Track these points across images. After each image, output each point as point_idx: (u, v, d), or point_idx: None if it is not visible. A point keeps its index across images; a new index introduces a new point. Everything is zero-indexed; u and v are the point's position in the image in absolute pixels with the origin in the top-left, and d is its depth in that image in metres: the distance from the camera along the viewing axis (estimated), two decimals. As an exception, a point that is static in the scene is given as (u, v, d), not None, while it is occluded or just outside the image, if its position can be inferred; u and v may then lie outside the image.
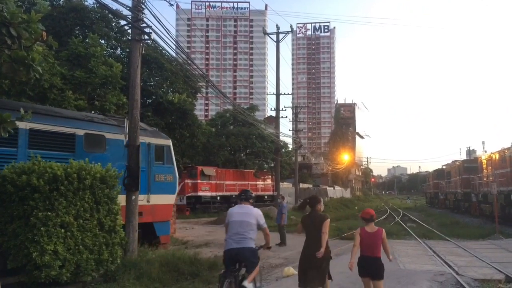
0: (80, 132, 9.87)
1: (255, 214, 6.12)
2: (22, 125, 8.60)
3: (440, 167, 47.69)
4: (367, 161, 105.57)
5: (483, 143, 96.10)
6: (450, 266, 10.96)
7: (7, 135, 4.92)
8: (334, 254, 8.96)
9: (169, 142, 12.83)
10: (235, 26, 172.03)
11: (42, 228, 6.88)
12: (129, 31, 11.26)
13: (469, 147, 71.99)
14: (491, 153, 26.56)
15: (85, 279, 7.45)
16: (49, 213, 7.01)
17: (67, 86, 14.42)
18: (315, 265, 6.15)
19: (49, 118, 9.49)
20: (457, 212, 35.87)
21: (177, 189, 13.20)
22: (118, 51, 25.15)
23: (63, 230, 7.13)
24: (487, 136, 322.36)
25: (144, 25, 9.75)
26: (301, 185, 43.32)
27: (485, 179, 26.94)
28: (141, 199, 11.18)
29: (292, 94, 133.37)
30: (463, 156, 66.35)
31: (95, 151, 10.05)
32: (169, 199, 12.53)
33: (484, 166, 27.27)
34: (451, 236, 18.61)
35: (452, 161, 43.13)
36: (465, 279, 9.29)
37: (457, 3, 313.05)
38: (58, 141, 9.43)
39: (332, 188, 57.46)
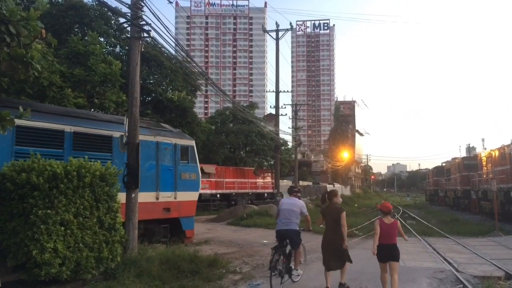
0: (116, 134, 10.40)
1: (299, 204, 8.06)
2: (67, 128, 9.35)
3: (440, 165, 47.66)
4: (367, 159, 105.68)
5: (482, 140, 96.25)
6: (449, 263, 10.98)
7: (5, 133, 4.91)
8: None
9: (193, 143, 13.59)
10: (234, 23, 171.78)
11: (42, 226, 6.87)
12: (128, 29, 11.27)
13: (469, 144, 72.22)
14: (491, 150, 26.53)
15: (85, 276, 7.47)
16: (49, 211, 7.01)
17: (66, 84, 14.41)
18: (337, 254, 7.33)
19: (90, 121, 10.14)
20: (456, 209, 35.87)
21: (200, 186, 13.91)
22: (118, 49, 25.09)
23: (63, 228, 7.13)
24: (486, 133, 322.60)
25: (143, 22, 9.73)
26: (301, 183, 43.35)
27: (484, 176, 26.93)
28: (169, 196, 12.03)
29: (292, 91, 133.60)
30: (463, 154, 66.55)
31: None
32: (193, 196, 13.27)
33: (484, 163, 27.25)
34: (450, 233, 18.63)
35: (452, 158, 43.07)
36: (465, 276, 9.30)
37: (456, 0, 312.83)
38: (98, 143, 10.09)
39: (331, 185, 57.47)
